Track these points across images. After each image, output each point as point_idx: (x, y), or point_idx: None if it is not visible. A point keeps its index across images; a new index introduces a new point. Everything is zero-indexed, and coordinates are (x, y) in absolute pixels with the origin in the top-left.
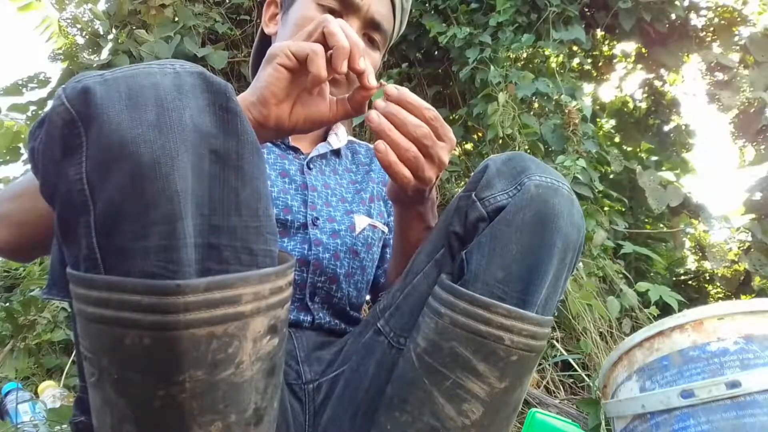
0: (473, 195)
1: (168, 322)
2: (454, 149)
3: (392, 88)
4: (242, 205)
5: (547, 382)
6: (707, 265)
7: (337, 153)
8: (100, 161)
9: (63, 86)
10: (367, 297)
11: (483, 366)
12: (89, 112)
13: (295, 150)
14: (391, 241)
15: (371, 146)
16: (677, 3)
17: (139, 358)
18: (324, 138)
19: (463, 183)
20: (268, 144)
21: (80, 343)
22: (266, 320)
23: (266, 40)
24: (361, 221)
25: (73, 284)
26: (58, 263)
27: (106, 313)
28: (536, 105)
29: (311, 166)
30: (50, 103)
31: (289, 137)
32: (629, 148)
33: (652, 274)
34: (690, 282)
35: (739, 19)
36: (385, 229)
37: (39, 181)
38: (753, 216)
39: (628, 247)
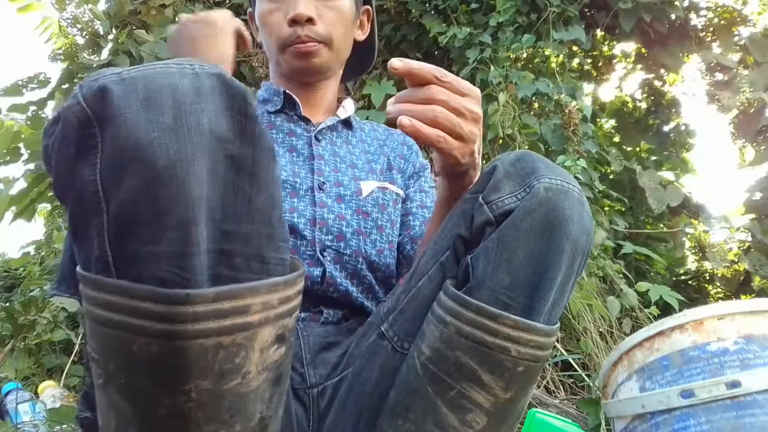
0: (480, 198)
1: (176, 332)
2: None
3: (396, 61)
4: (255, 212)
5: (547, 382)
6: (707, 265)
7: (348, 125)
8: (114, 163)
9: (80, 84)
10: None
11: (488, 377)
12: (105, 113)
13: (306, 121)
14: (420, 212)
15: (389, 128)
16: (677, 3)
17: (145, 364)
18: (335, 112)
19: None
20: (276, 120)
21: (88, 344)
22: (274, 330)
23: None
24: (368, 186)
25: (83, 285)
26: (68, 260)
27: (115, 317)
28: (536, 105)
29: (319, 137)
30: (51, 104)
31: (301, 107)
32: (629, 148)
33: (652, 274)
34: (690, 282)
35: (739, 19)
36: (400, 192)
37: (52, 178)
38: (753, 216)
39: (628, 247)
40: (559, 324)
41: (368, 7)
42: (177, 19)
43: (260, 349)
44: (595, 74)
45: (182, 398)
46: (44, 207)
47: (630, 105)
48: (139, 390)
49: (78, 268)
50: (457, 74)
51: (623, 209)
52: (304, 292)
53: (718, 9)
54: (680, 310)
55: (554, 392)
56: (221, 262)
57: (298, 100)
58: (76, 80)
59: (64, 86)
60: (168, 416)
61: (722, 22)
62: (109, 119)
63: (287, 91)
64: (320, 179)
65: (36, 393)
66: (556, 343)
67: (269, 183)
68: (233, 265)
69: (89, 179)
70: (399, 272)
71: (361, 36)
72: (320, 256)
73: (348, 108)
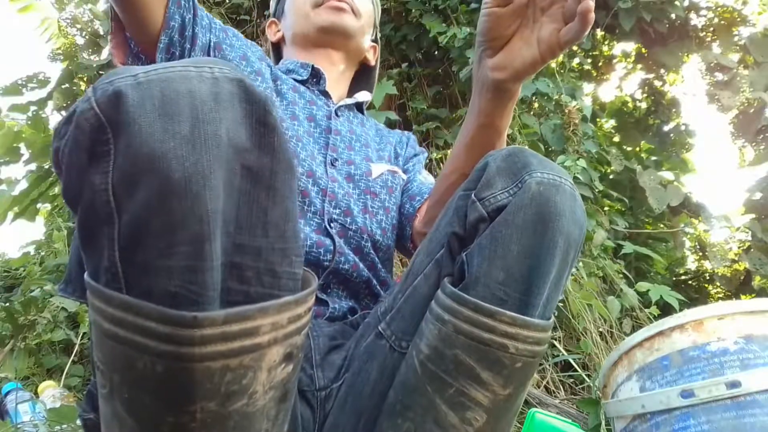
0: (473, 195)
1: (182, 354)
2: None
3: None
4: (270, 226)
5: (547, 382)
6: (707, 264)
7: (360, 110)
8: (127, 173)
9: (93, 85)
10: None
11: (487, 374)
12: (120, 119)
13: (327, 96)
14: (416, 177)
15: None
16: (677, 3)
17: (150, 382)
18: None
19: None
20: (300, 88)
21: (93, 352)
22: (282, 349)
23: (280, 53)
24: (379, 168)
25: (91, 294)
26: (76, 263)
27: (120, 332)
28: (536, 105)
29: (339, 113)
30: (50, 104)
31: (325, 83)
32: (629, 148)
33: (652, 274)
34: (690, 282)
35: (739, 19)
36: (405, 177)
37: (62, 183)
38: (753, 216)
39: (628, 247)
40: (554, 318)
41: (376, 45)
42: None
43: (268, 369)
44: (595, 74)
45: (186, 418)
46: (44, 207)
47: (630, 105)
48: (142, 406)
49: (86, 276)
50: (457, 74)
51: (623, 209)
52: (312, 267)
53: (718, 9)
54: (680, 310)
55: (554, 392)
56: (232, 275)
57: (324, 74)
58: (75, 80)
59: (63, 86)
60: None
61: (722, 22)
62: (124, 127)
63: (315, 66)
64: (333, 155)
65: (36, 393)
66: (557, 343)
67: (286, 195)
68: (244, 278)
69: (101, 188)
70: (403, 243)
71: (372, 61)
72: (327, 226)
73: (363, 96)
